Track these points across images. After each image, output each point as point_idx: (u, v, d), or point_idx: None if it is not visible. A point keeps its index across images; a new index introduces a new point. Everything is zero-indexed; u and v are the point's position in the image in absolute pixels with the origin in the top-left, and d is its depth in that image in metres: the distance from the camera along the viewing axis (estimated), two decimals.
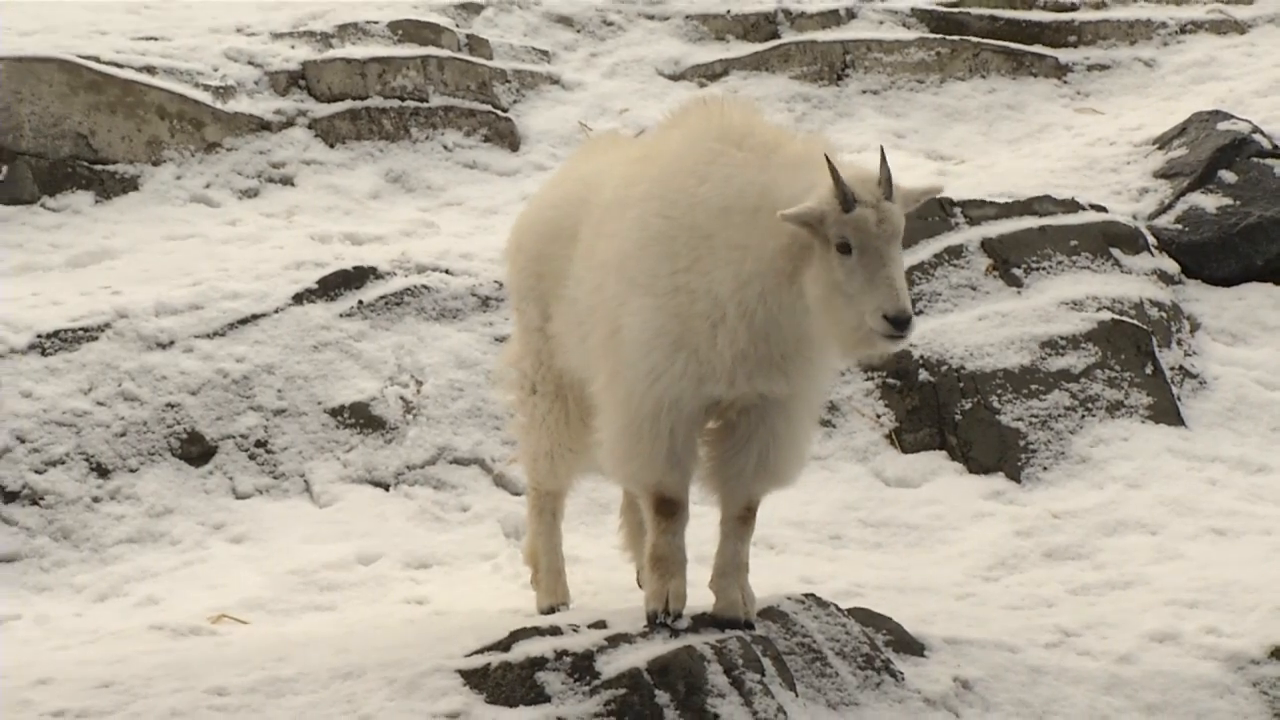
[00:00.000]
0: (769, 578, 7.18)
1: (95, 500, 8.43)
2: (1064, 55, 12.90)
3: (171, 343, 9.09)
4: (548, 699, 6.33)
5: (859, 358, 7.25)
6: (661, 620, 6.48)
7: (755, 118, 6.58)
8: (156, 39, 11.77)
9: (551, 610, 7.18)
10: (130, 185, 10.79)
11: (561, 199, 7.18)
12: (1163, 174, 10.95)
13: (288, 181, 11.07)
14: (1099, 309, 9.77)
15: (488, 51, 12.47)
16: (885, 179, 5.94)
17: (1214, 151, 10.87)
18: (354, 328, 9.44)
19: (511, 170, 11.69)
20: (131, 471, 8.60)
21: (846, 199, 5.85)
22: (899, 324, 5.87)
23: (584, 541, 8.21)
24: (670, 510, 6.52)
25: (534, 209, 7.44)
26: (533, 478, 7.38)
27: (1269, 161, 10.83)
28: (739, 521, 6.56)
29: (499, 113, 12.03)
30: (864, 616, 6.93)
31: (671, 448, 6.45)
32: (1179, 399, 9.49)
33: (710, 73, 12.67)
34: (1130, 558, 8.10)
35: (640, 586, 7.13)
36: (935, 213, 10.21)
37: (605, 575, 7.79)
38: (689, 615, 6.56)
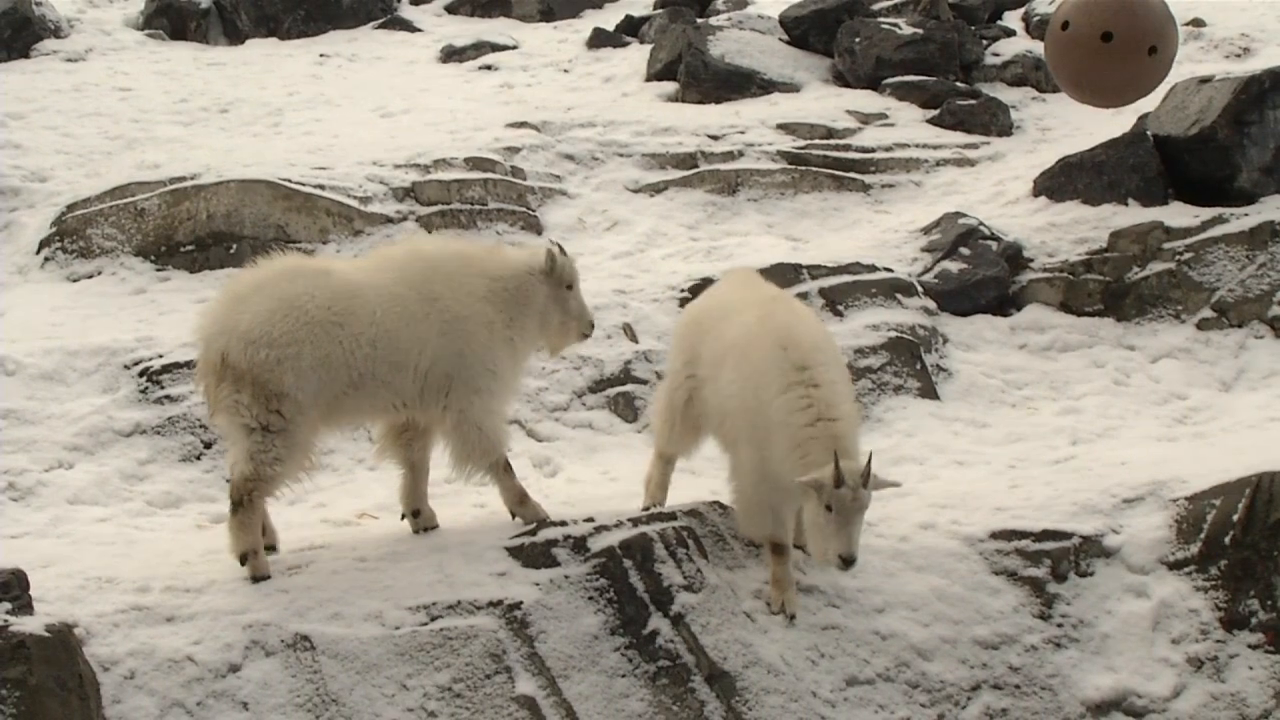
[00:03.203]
0: (692, 493, 7.14)
1: None
2: (868, 179, 12.87)
3: None
4: (558, 564, 6.33)
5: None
6: (777, 612, 6.25)
7: (801, 325, 6.29)
8: (325, 168, 11.70)
9: (650, 507, 6.80)
10: (309, 255, 10.73)
11: (717, 302, 6.82)
12: (926, 249, 10.94)
13: None
14: (888, 330, 9.76)
15: (524, 175, 12.41)
16: (866, 474, 5.73)
17: (956, 236, 10.88)
18: None
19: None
20: None
21: (839, 480, 5.65)
22: (846, 562, 5.78)
23: (581, 470, 8.17)
24: (782, 550, 6.28)
25: (703, 306, 7.00)
26: (662, 450, 7.03)
27: (988, 242, 10.84)
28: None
29: (530, 212, 11.97)
30: None
31: (778, 520, 6.22)
32: (936, 384, 9.50)
33: (656, 189, 12.58)
34: (906, 478, 8.03)
35: (645, 509, 6.86)
36: (791, 273, 10.21)
37: (594, 490, 7.73)
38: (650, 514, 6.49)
